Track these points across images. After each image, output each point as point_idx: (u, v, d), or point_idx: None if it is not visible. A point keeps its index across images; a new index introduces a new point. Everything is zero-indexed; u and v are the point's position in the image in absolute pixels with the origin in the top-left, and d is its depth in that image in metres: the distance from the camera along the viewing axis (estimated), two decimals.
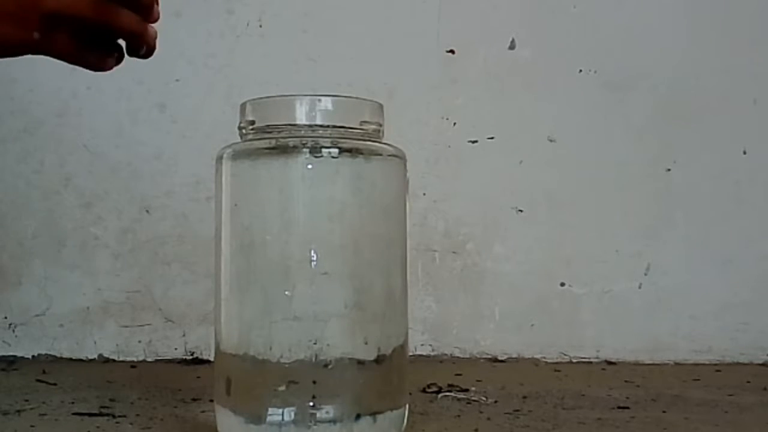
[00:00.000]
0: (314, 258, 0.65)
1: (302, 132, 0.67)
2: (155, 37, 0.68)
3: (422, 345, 1.15)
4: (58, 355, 1.13)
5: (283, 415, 0.65)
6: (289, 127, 0.68)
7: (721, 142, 1.18)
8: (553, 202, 1.17)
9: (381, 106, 0.71)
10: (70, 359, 1.13)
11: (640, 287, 1.17)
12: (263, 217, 0.67)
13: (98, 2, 0.64)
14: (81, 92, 1.13)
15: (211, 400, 0.71)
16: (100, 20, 0.64)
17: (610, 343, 1.16)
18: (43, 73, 1.13)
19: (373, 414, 0.67)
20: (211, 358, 0.73)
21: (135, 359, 1.13)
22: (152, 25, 0.68)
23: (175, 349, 1.14)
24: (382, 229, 0.69)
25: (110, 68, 0.69)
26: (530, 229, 1.17)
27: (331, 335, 0.66)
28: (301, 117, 0.68)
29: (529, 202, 1.17)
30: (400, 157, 0.70)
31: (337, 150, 0.66)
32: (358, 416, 0.66)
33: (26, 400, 0.88)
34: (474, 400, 0.90)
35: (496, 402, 0.90)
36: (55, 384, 0.97)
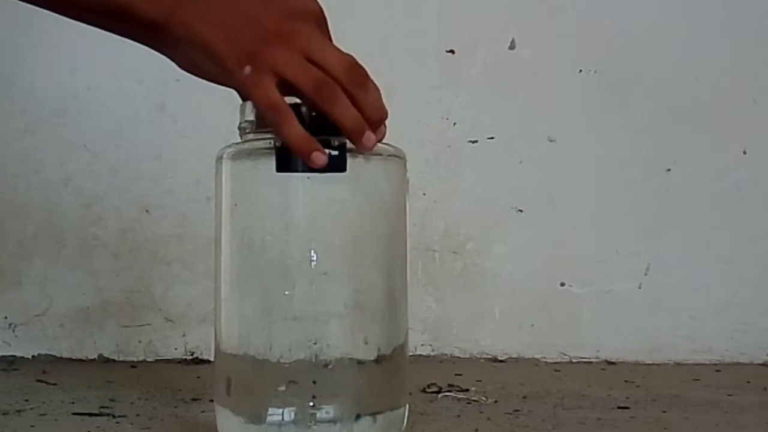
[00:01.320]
0: (314, 258, 0.65)
1: None
2: (373, 144, 0.63)
3: (422, 345, 1.15)
4: (58, 355, 1.13)
5: (283, 415, 0.65)
6: None
7: (721, 142, 1.18)
8: (553, 202, 1.18)
9: None
10: (70, 359, 1.13)
11: (640, 287, 1.17)
12: (263, 217, 0.67)
13: (322, 83, 0.61)
14: (81, 92, 1.13)
15: (211, 400, 0.71)
16: (317, 101, 0.61)
17: (610, 343, 1.16)
18: (43, 73, 1.13)
19: (373, 414, 0.67)
20: (211, 358, 0.73)
21: (135, 359, 1.13)
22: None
23: (175, 349, 1.14)
24: (382, 229, 0.69)
25: (320, 164, 0.62)
26: (530, 229, 1.17)
27: (331, 335, 0.66)
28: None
29: (529, 202, 1.17)
30: (400, 157, 0.70)
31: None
32: (358, 416, 0.66)
33: (26, 400, 0.88)
34: (474, 400, 0.90)
35: (496, 402, 0.90)
36: (55, 384, 0.97)
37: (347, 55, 0.63)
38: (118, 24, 0.65)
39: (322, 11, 0.66)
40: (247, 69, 0.61)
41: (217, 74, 0.63)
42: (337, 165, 0.63)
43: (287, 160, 0.63)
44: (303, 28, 0.63)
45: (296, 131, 0.61)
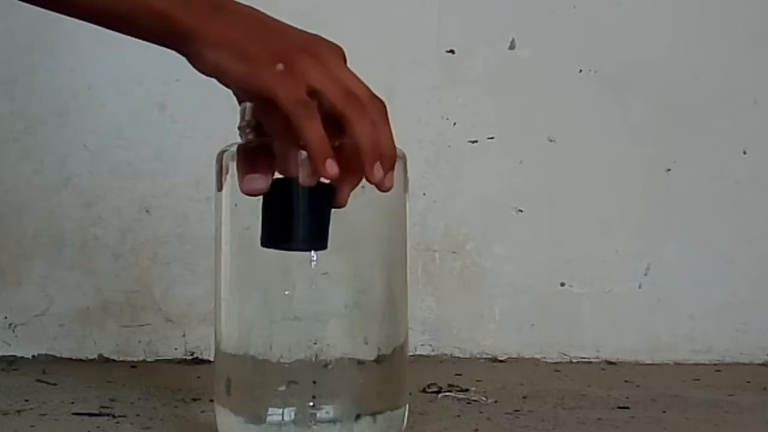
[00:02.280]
0: (314, 258, 0.65)
1: None
2: (381, 178, 0.62)
3: (422, 345, 1.15)
4: (58, 355, 1.13)
5: (283, 415, 0.65)
6: None
7: (721, 142, 1.18)
8: (553, 202, 1.17)
9: None
10: (70, 359, 1.13)
11: (640, 287, 1.17)
12: None
13: (353, 96, 0.61)
14: (81, 92, 1.13)
15: (211, 400, 0.71)
16: (345, 112, 0.60)
17: (610, 343, 1.16)
18: (43, 73, 1.13)
19: (373, 414, 0.67)
20: (211, 358, 0.73)
21: (135, 359, 1.13)
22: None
23: (175, 349, 1.14)
24: (382, 229, 0.69)
25: (332, 174, 0.60)
26: (530, 229, 1.17)
27: (331, 335, 0.66)
28: None
29: (529, 202, 1.17)
30: (400, 157, 0.70)
31: None
32: (358, 416, 0.66)
33: (26, 400, 0.88)
34: (474, 400, 0.90)
35: (496, 402, 0.90)
36: (55, 384, 0.97)
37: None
38: (148, 30, 0.64)
39: (342, 51, 0.65)
40: (280, 66, 0.61)
41: (242, 74, 0.62)
42: (319, 242, 0.63)
43: (272, 236, 0.62)
44: (329, 52, 0.63)
45: (319, 131, 0.60)
